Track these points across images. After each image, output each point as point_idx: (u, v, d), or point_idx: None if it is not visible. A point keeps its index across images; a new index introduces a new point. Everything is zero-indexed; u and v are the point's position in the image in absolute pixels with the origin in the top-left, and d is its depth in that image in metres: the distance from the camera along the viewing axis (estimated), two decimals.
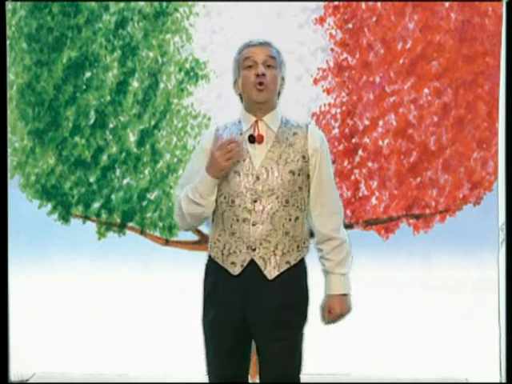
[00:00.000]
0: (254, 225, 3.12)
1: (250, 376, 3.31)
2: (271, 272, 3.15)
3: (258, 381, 3.21)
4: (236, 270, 3.15)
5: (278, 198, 3.13)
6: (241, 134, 3.19)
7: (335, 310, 3.20)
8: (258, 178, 3.13)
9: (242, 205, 3.12)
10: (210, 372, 3.26)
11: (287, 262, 3.16)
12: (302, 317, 3.22)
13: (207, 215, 3.20)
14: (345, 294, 3.21)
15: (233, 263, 3.16)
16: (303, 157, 3.16)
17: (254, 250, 3.14)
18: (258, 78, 3.11)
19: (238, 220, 3.13)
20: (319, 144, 3.19)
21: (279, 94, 3.23)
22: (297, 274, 3.20)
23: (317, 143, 3.19)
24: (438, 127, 5.29)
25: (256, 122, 3.17)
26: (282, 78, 3.21)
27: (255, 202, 3.12)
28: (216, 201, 3.18)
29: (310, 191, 3.20)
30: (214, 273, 3.21)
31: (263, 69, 3.12)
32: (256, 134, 3.16)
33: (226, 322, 3.17)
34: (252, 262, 3.14)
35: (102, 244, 5.41)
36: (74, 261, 5.34)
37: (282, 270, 3.15)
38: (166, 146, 5.39)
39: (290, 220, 3.16)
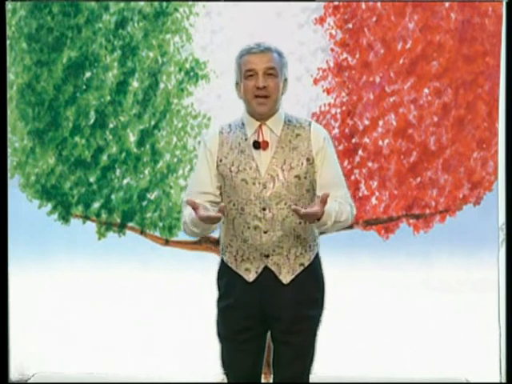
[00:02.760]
0: (265, 232, 3.12)
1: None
2: (286, 277, 3.16)
3: (269, 381, 3.22)
4: (251, 277, 3.16)
5: (286, 203, 3.12)
6: (246, 139, 3.18)
7: (309, 210, 2.96)
8: (264, 186, 3.12)
9: (251, 213, 3.12)
10: (226, 370, 3.27)
11: (301, 265, 3.17)
12: (319, 308, 3.23)
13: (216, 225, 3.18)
14: (322, 219, 3.00)
15: (247, 269, 3.16)
16: (308, 159, 3.15)
17: (268, 256, 3.14)
18: (259, 90, 3.09)
19: (249, 227, 3.13)
20: (322, 142, 3.17)
21: (282, 94, 3.18)
22: (312, 270, 3.20)
23: (320, 142, 3.17)
24: (438, 127, 5.29)
25: (260, 126, 3.16)
26: (285, 80, 3.18)
27: (264, 209, 3.12)
28: (225, 207, 3.17)
29: (317, 189, 3.18)
30: (229, 275, 3.21)
31: (263, 82, 3.08)
32: (261, 141, 3.15)
33: (242, 319, 3.17)
34: (266, 268, 3.15)
35: (101, 244, 5.41)
36: (74, 261, 5.34)
37: (296, 273, 3.17)
38: (166, 146, 5.38)
39: (300, 223, 3.15)
